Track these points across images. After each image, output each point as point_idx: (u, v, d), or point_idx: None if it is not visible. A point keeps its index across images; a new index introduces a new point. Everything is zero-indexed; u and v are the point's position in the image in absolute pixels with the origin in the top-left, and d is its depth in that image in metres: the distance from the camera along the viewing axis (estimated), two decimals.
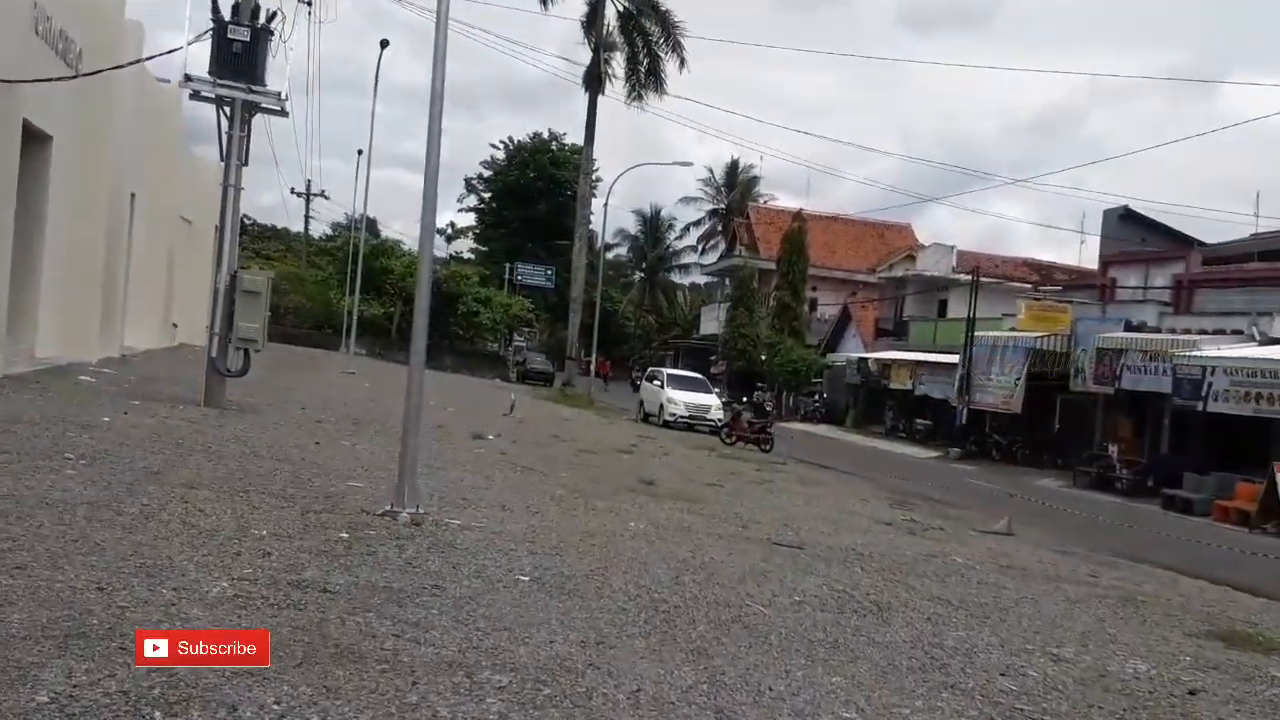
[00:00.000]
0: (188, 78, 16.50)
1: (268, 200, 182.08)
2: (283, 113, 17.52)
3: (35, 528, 6.52)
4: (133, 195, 26.28)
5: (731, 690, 5.54)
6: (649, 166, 74.09)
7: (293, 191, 77.54)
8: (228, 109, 16.71)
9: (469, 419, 22.68)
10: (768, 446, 28.79)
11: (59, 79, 16.55)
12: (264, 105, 17.02)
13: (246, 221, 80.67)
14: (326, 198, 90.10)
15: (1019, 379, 35.43)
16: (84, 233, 21.30)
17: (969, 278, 39.97)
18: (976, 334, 37.63)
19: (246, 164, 17.25)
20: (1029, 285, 46.59)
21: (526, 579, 7.21)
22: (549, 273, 72.73)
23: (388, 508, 8.83)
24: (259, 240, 76.76)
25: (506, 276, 71.52)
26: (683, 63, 47.05)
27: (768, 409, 31.37)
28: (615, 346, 77.57)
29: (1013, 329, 37.03)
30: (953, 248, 50.24)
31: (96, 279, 22.08)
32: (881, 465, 30.28)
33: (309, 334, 58.37)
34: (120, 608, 5.09)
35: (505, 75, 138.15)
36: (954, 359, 38.97)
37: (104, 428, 11.86)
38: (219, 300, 16.58)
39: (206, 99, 16.83)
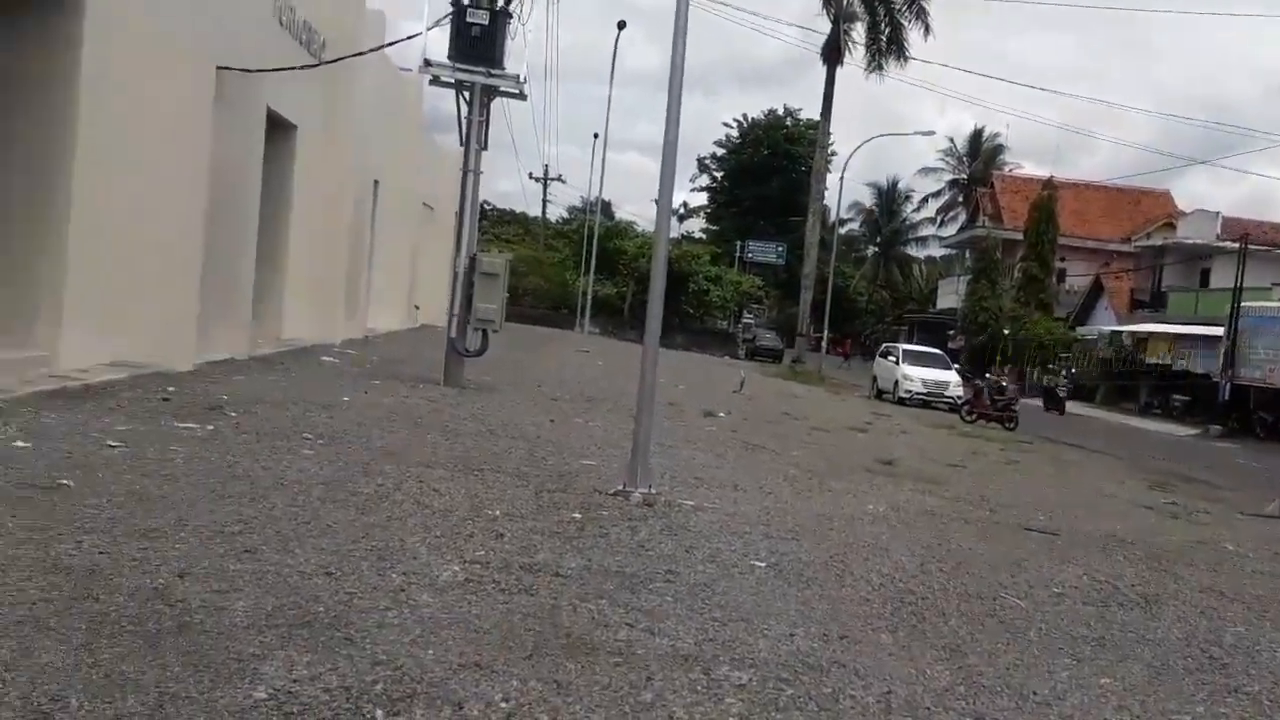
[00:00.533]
0: (427, 63, 16.81)
1: (506, 186, 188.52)
2: (521, 96, 17.64)
3: (268, 510, 6.56)
4: (376, 182, 27.28)
5: (991, 693, 5.00)
6: (885, 139, 71.89)
7: (530, 176, 79.81)
8: (467, 94, 16.93)
9: (699, 396, 22.43)
10: (1012, 424, 27.34)
11: (301, 67, 17.14)
12: (503, 89, 17.17)
13: (486, 207, 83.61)
14: (563, 182, 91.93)
15: None
16: (328, 218, 22.16)
17: (1235, 245, 36.95)
18: (1243, 304, 34.76)
19: (486, 148, 17.45)
20: None
21: (763, 565, 6.80)
22: (780, 249, 72.00)
23: (620, 487, 8.61)
24: (498, 225, 79.13)
25: (737, 254, 71.18)
26: (927, 29, 45.54)
27: (1004, 385, 29.72)
28: (847, 322, 76.09)
29: None
30: (1217, 214, 46.66)
31: (341, 263, 22.98)
32: (1136, 443, 28.27)
33: (545, 314, 59.78)
34: (348, 594, 4.96)
35: (739, 54, 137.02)
36: (1218, 331, 36.08)
37: (343, 407, 12.16)
38: (458, 282, 16.86)
39: (446, 84, 17.10)
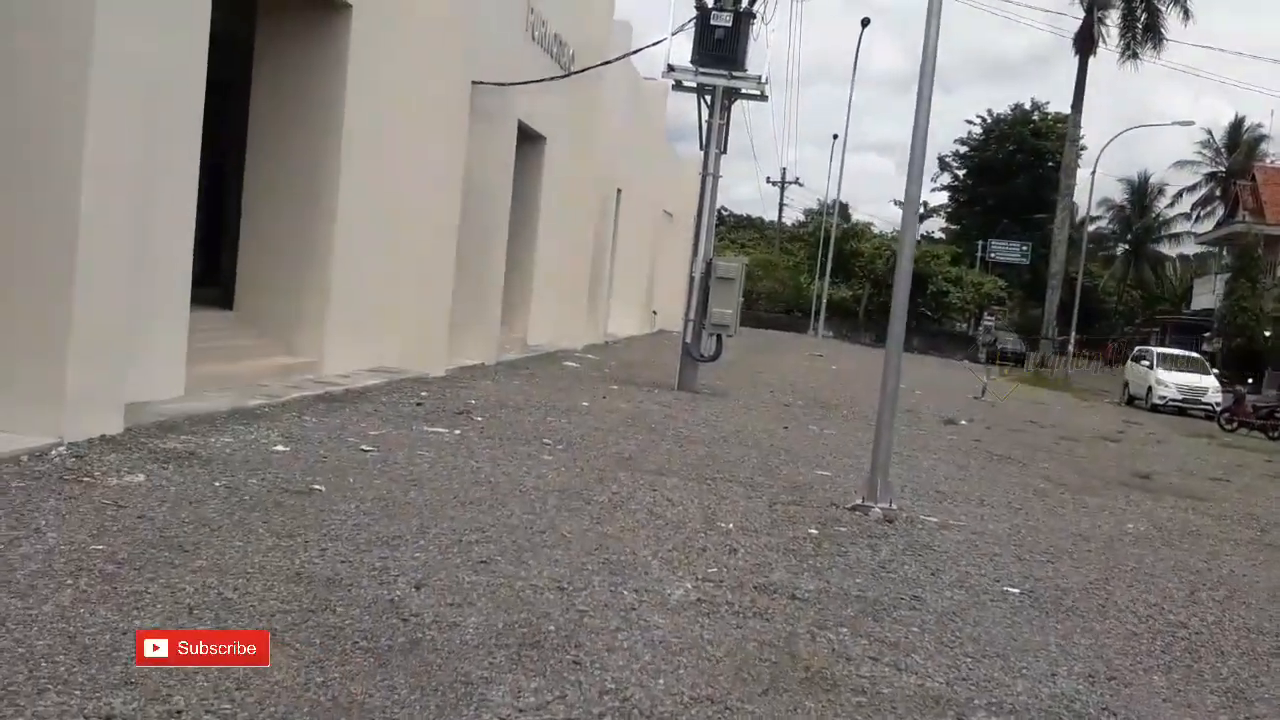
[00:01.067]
0: (670, 68, 16.84)
1: (744, 192, 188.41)
2: (762, 97, 17.46)
3: (506, 518, 6.57)
4: (619, 190, 27.64)
5: None
6: (1138, 131, 68.32)
7: (768, 180, 79.71)
8: (708, 97, 16.90)
9: (939, 402, 21.67)
10: (1276, 434, 25.20)
11: (552, 79, 17.46)
12: (744, 90, 17.06)
13: (723, 212, 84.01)
14: (800, 185, 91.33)
15: None
16: (574, 227, 22.64)
17: None
18: None
19: (725, 152, 17.36)
20: None
21: (1016, 591, 6.33)
22: (1024, 248, 69.05)
23: (859, 502, 8.26)
24: (734, 230, 79.46)
25: (979, 254, 68.76)
26: (1186, 13, 42.70)
27: (1240, 390, 27.46)
28: (1092, 324, 72.15)
29: None
30: None
31: (584, 271, 23.44)
32: None
33: (778, 318, 59.57)
34: (579, 612, 4.85)
35: (981, 49, 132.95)
36: None
37: (582, 412, 12.26)
38: (694, 287, 16.82)
39: (688, 89, 17.14)
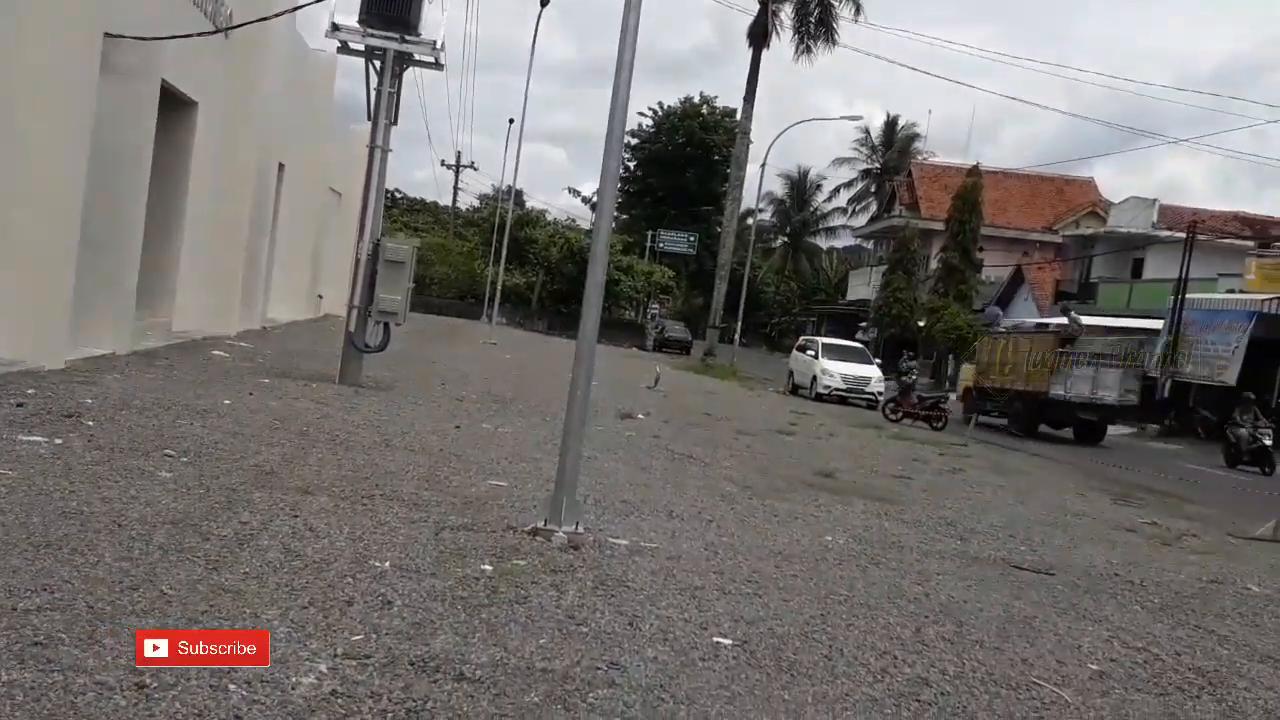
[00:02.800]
0: (335, 26, 15.15)
1: (419, 176, 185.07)
2: (438, 65, 16.03)
3: (91, 566, 5.03)
4: (281, 165, 25.50)
5: None
6: (795, 130, 71.42)
7: (443, 164, 77.79)
8: (377, 63, 15.36)
9: (614, 394, 21.09)
10: (940, 424, 26.47)
11: (200, 34, 15.34)
12: (418, 57, 15.59)
13: (396, 194, 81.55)
14: (475, 169, 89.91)
15: (1237, 347, 31.42)
16: (228, 203, 20.52)
17: (1170, 234, 36.00)
18: (1189, 296, 33.66)
19: (396, 123, 15.87)
20: (1244, 241, 41.45)
21: (729, 643, 5.35)
22: (691, 239, 70.99)
23: (540, 524, 7.13)
24: (408, 213, 77.28)
25: (648, 244, 70.00)
26: (858, 9, 44.58)
27: (910, 380, 28.97)
28: (751, 313, 75.35)
29: (1231, 290, 33.14)
30: (1154, 201, 45.46)
31: (239, 250, 21.27)
32: (1069, 444, 27.56)
33: (452, 304, 58.20)
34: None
35: (653, 45, 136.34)
36: (1154, 324, 34.84)
37: (221, 413, 10.54)
38: (359, 270, 15.27)
39: (355, 52, 15.61)
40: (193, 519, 6.22)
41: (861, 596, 6.90)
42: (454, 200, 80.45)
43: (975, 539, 10.08)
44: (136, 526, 5.85)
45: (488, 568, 6.11)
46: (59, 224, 11.93)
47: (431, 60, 15.72)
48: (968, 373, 38.54)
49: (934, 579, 7.86)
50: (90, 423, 8.83)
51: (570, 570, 6.35)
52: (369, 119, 15.67)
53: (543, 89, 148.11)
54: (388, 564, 5.87)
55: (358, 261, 15.30)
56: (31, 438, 7.81)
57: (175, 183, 18.47)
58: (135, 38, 13.95)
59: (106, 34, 13.55)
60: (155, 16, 14.57)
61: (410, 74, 16.12)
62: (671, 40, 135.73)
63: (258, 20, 17.20)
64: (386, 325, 15.42)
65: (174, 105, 17.85)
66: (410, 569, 5.86)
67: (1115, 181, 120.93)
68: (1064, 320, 32.20)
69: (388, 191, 79.53)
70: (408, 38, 15.04)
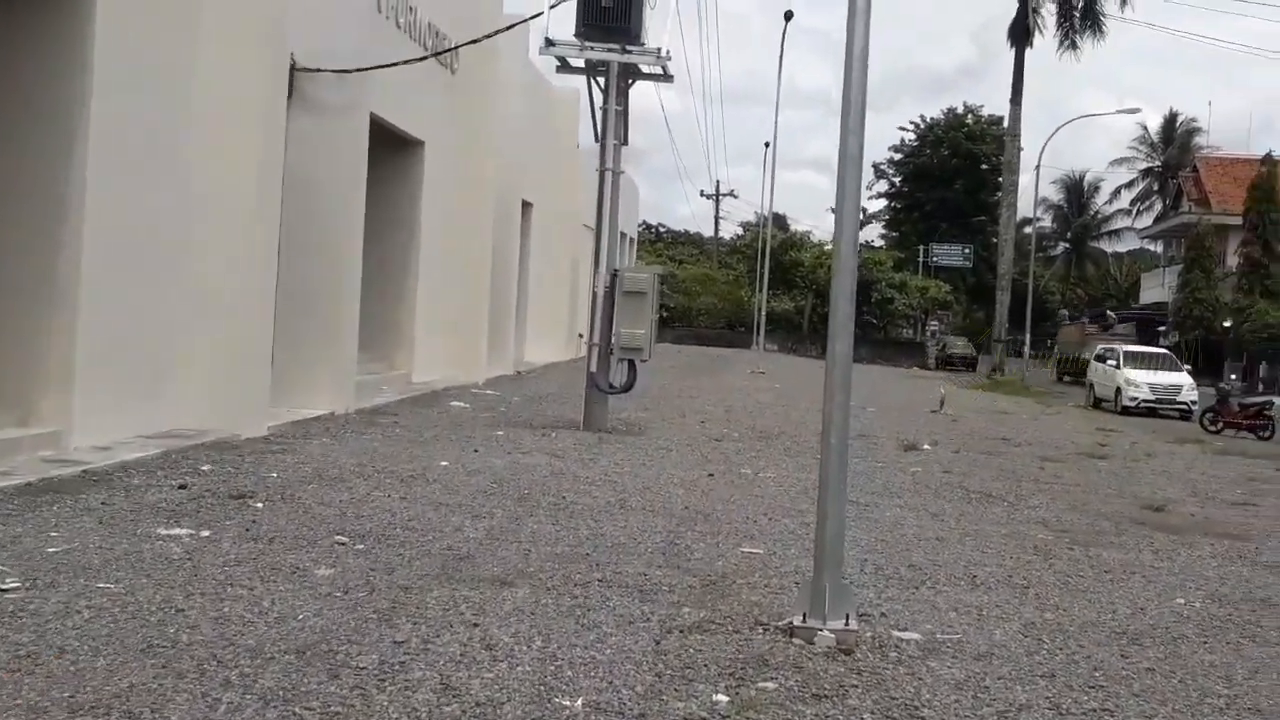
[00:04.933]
0: (549, 42, 13.90)
1: (683, 212, 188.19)
2: (666, 76, 14.57)
3: None
4: (526, 203, 24.81)
5: None
6: (1068, 135, 66.69)
7: (702, 194, 77.14)
8: (600, 80, 14.06)
9: (894, 420, 18.92)
10: (1268, 433, 22.78)
11: (405, 62, 14.45)
12: (643, 68, 14.16)
13: (660, 229, 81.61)
14: (735, 197, 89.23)
15: None
16: (466, 245, 19.80)
17: None
18: None
19: (626, 143, 14.58)
20: None
21: None
22: (966, 251, 67.19)
23: (799, 619, 5.24)
24: (673, 246, 77.00)
25: (920, 259, 66.64)
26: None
27: (1227, 386, 25.31)
28: (1038, 323, 70.40)
29: None
30: None
31: (483, 293, 20.44)
32: None
33: (721, 334, 56.95)
34: None
35: (915, 66, 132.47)
36: None
37: (431, 478, 9.23)
38: (597, 304, 13.90)
39: (575, 69, 14.46)
40: (331, 641, 4.72)
41: (1245, 694, 4.74)
42: (716, 229, 79.64)
43: None
44: (245, 661, 4.38)
45: (722, 698, 4.29)
46: (249, 275, 11.02)
47: (659, 71, 14.23)
48: None
49: None
50: (259, 504, 7.62)
51: (839, 693, 4.44)
52: (596, 139, 14.33)
53: (801, 117, 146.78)
54: (580, 702, 4.16)
55: (595, 295, 13.93)
56: (173, 531, 6.59)
57: (407, 227, 17.84)
58: (336, 70, 13.17)
59: (301, 68, 12.88)
60: (359, 48, 13.73)
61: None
62: (932, 56, 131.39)
63: (467, 43, 16.23)
64: (631, 363, 13.94)
65: (398, 145, 17.26)
66: (611, 708, 4.12)
67: None
68: None
69: (650, 226, 79.78)
70: (630, 48, 13.57)
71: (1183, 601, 6.75)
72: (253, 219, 11.02)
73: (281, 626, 4.88)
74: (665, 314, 56.59)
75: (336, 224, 13.59)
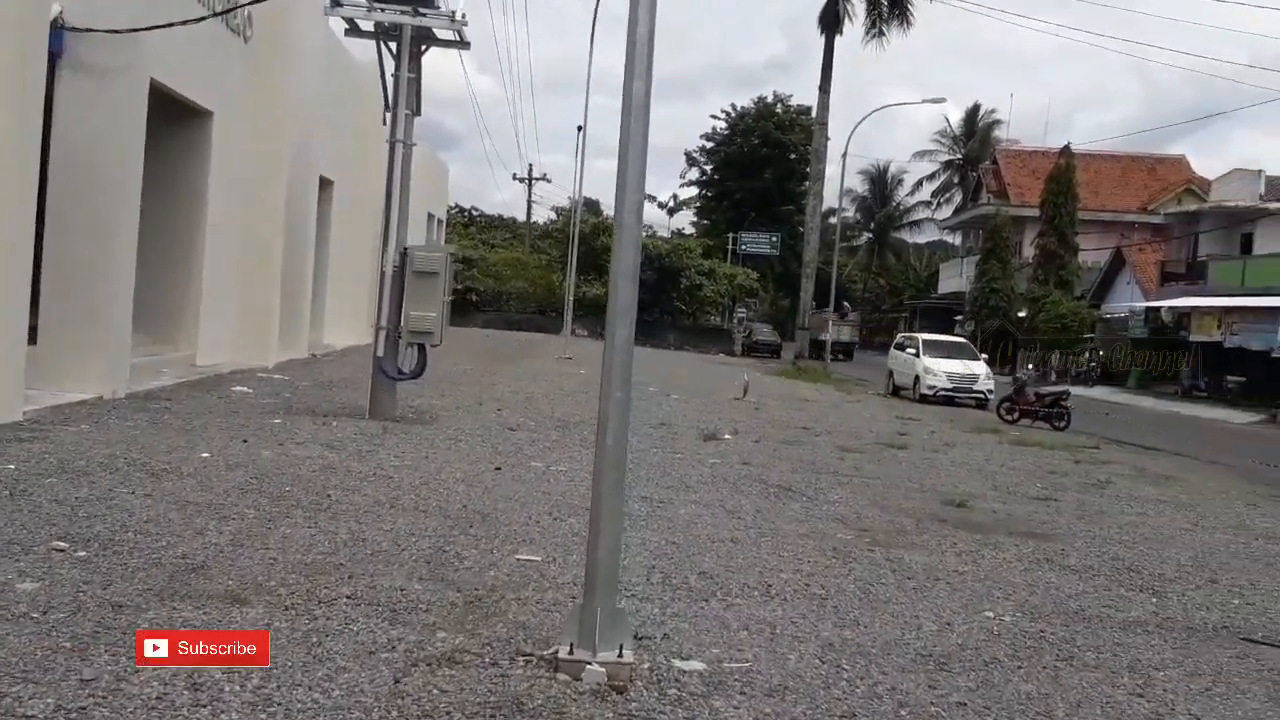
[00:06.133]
0: (335, 2, 13.00)
1: (500, 198, 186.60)
2: (462, 42, 13.79)
3: None
4: (326, 180, 23.66)
5: None
6: (871, 128, 68.70)
7: (515, 177, 76.04)
8: (393, 44, 13.17)
9: (696, 409, 18.65)
10: (1063, 423, 23.42)
11: (183, 23, 13.20)
12: (438, 33, 13.36)
13: (473, 212, 79.89)
14: (548, 181, 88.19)
15: None
16: (258, 223, 18.65)
17: None
18: None
19: (419, 114, 13.81)
20: None
21: None
22: (774, 239, 68.27)
23: (565, 651, 4.58)
24: (485, 230, 75.68)
25: (730, 247, 67.41)
26: None
27: (1022, 377, 26.24)
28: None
29: None
30: (1259, 173, 42.26)
31: (274, 274, 19.24)
32: (1202, 438, 24.38)
33: (532, 318, 56.29)
34: None
35: (726, 57, 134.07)
36: (1276, 302, 31.85)
37: (186, 472, 8.29)
38: (385, 285, 13.04)
39: (364, 34, 13.66)
40: (4, 680, 3.89)
41: None
42: (528, 212, 78.64)
43: (1171, 593, 7.44)
44: None
45: None
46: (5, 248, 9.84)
47: (455, 37, 13.45)
48: None
49: (1154, 680, 5.30)
50: None
51: None
52: (386, 109, 13.45)
53: (616, 104, 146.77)
54: None
55: (383, 274, 13.07)
56: None
57: (193, 201, 16.63)
58: (108, 30, 11.94)
59: (70, 27, 11.69)
60: (136, 7, 12.50)
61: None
62: (743, 49, 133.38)
63: (252, 1, 15.02)
64: (421, 348, 13.14)
65: (184, 114, 16.04)
66: None
67: (1196, 163, 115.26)
68: None
69: (463, 209, 78.08)
70: (423, 10, 12.79)
71: (991, 615, 6.40)
72: (3, 191, 9.81)
73: None
74: (475, 298, 55.54)
75: (108, 196, 12.48)
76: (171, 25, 12.88)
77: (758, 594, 6.32)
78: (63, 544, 5.84)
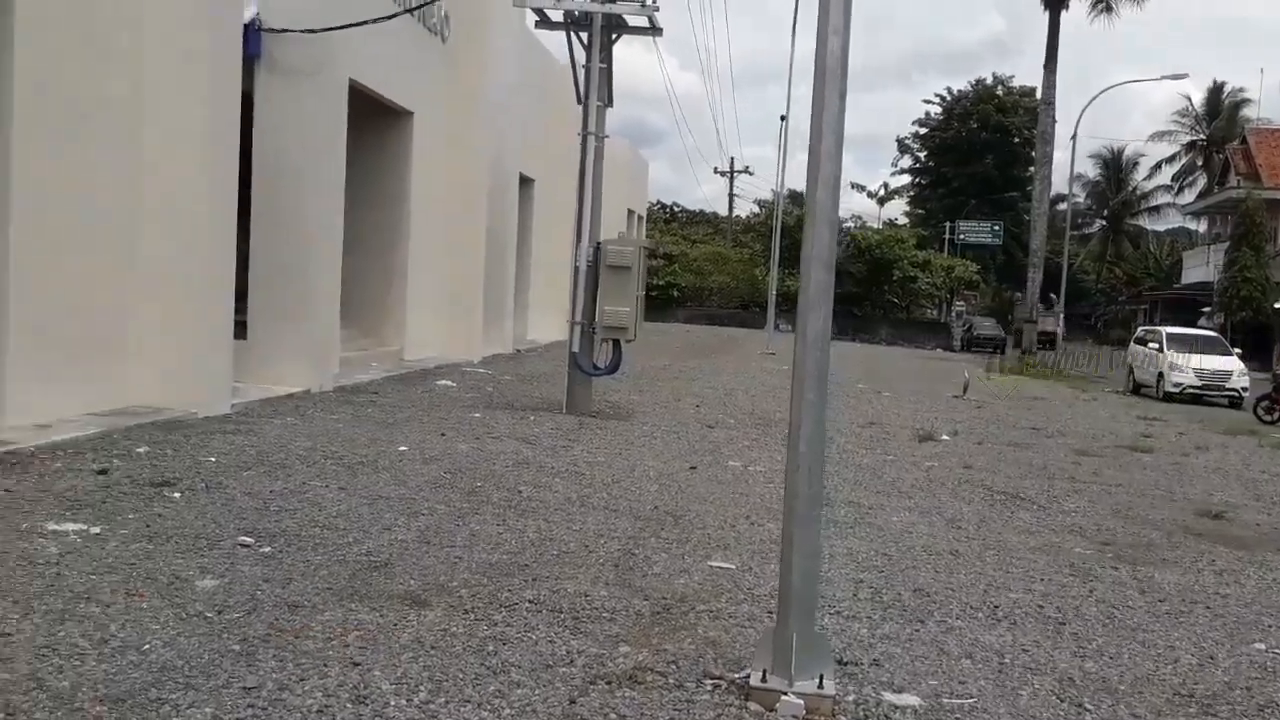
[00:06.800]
0: None
1: (701, 194, 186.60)
2: (654, 29, 13.51)
3: None
4: (527, 179, 24.07)
5: None
6: (1104, 111, 64.74)
7: (716, 171, 75.70)
8: (583, 34, 13.00)
9: (910, 407, 17.74)
10: None
11: (374, 21, 13.35)
12: (629, 20, 13.12)
13: (675, 209, 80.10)
14: (750, 173, 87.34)
15: None
16: (459, 221, 19.09)
17: None
18: None
19: (611, 105, 13.53)
20: None
21: None
22: (995, 229, 65.35)
23: (758, 678, 4.08)
24: (687, 225, 75.51)
25: (947, 237, 65.02)
26: None
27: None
28: (1072, 304, 68.53)
29: None
30: None
31: (478, 269, 19.60)
32: None
33: (735, 314, 55.79)
34: None
35: (936, 42, 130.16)
36: None
37: (383, 465, 8.24)
38: (578, 280, 12.87)
39: (554, 25, 13.52)
40: (166, 685, 3.72)
41: None
42: (730, 206, 78.05)
43: None
44: (41, 713, 3.39)
45: None
46: (200, 247, 10.06)
47: (646, 23, 13.15)
48: None
49: None
50: (176, 494, 6.63)
51: None
52: (579, 100, 13.27)
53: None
54: None
55: (576, 270, 12.89)
56: (63, 526, 5.63)
57: (396, 200, 17.06)
58: (304, 31, 12.20)
59: (268, 28, 12.01)
60: (334, 8, 12.73)
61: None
62: (957, 33, 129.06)
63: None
64: (616, 343, 12.91)
65: (386, 115, 16.46)
66: None
67: None
68: None
69: (664, 205, 78.22)
70: None
71: (1263, 647, 5.54)
72: (203, 187, 10.06)
73: (114, 661, 3.91)
74: (677, 294, 55.45)
75: (313, 194, 12.91)
76: (364, 23, 13.07)
77: (982, 615, 5.66)
78: (249, 539, 5.75)
